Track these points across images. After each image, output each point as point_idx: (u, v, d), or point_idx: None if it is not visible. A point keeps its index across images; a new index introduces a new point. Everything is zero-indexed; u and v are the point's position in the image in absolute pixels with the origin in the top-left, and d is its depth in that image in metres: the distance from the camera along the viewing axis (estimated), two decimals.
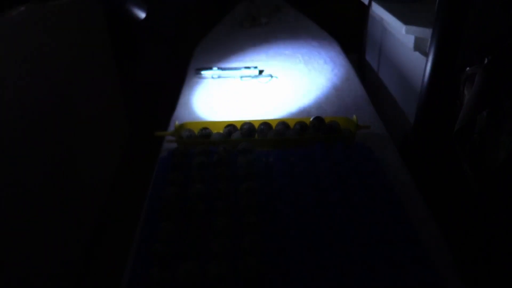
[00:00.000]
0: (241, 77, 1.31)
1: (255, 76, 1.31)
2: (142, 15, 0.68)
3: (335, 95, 1.18)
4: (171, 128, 0.98)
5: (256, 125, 0.94)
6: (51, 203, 1.40)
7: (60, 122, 1.56)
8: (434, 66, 0.92)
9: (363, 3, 1.68)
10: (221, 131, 0.94)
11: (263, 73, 1.32)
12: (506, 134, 0.74)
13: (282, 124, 0.94)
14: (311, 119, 0.94)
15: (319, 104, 1.13)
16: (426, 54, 0.94)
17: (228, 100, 1.17)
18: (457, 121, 0.81)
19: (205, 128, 0.93)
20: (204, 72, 1.33)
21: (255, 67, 1.33)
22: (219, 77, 1.32)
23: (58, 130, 1.53)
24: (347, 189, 0.74)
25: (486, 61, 0.79)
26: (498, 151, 0.76)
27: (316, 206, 0.70)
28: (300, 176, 0.78)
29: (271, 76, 1.30)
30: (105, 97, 2.22)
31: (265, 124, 0.94)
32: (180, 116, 1.09)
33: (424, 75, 0.95)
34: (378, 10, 1.48)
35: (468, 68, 0.85)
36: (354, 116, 0.92)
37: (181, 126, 0.94)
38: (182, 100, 1.19)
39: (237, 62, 1.44)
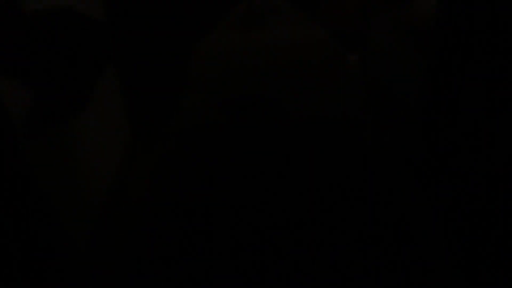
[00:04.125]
0: None
1: None
2: None
3: None
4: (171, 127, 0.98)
5: None
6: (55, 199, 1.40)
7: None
8: (435, 65, 0.92)
9: (364, 3, 1.68)
10: None
11: None
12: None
13: None
14: None
15: None
16: (426, 54, 0.95)
17: None
18: (458, 120, 0.81)
19: None
20: None
21: None
22: None
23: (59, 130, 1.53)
24: (347, 188, 0.74)
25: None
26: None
27: (316, 205, 0.71)
28: (300, 175, 0.78)
29: None
30: (106, 96, 2.22)
31: None
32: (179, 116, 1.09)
33: (424, 75, 0.95)
34: None
35: None
36: None
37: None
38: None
39: None
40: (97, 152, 1.98)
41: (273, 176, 0.81)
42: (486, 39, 0.84)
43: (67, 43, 0.65)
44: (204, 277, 0.58)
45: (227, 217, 0.70)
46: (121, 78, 2.49)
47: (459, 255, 0.65)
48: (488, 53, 0.80)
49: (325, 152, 0.88)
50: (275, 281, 0.58)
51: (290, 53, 1.54)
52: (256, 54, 1.54)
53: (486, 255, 0.74)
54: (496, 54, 0.78)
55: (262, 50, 1.58)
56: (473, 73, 0.83)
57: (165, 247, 0.63)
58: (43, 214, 0.70)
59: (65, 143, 1.59)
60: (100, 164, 2.09)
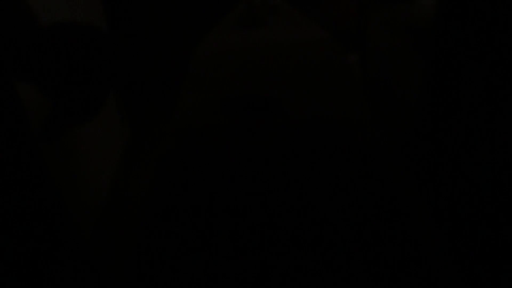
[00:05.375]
0: None
1: None
2: None
3: None
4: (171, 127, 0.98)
5: None
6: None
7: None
8: (434, 65, 0.92)
9: (363, 3, 1.68)
10: None
11: None
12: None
13: None
14: None
15: None
16: (426, 53, 0.95)
17: None
18: (458, 119, 0.81)
19: None
20: None
21: None
22: None
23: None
24: (347, 188, 0.74)
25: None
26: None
27: (316, 205, 0.71)
28: (300, 175, 0.78)
29: None
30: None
31: None
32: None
33: (424, 74, 0.95)
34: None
35: None
36: None
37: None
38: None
39: None
40: (97, 152, 1.98)
41: (273, 176, 0.81)
42: (486, 39, 0.84)
43: (80, 52, 0.68)
44: (204, 278, 0.58)
45: (227, 217, 0.70)
46: (122, 79, 2.48)
47: (459, 255, 0.65)
48: (488, 52, 0.80)
49: (325, 152, 0.88)
50: (276, 282, 0.58)
51: (290, 53, 1.54)
52: (256, 54, 1.54)
53: (486, 255, 0.74)
54: (496, 54, 0.78)
55: (262, 50, 1.58)
56: (473, 72, 0.83)
57: (165, 247, 0.63)
58: (55, 212, 0.73)
59: (66, 143, 1.59)
60: (100, 164, 2.09)
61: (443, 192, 0.91)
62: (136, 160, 2.21)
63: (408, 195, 0.77)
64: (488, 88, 0.78)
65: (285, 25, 1.90)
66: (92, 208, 1.90)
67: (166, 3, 2.02)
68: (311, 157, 0.85)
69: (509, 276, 0.68)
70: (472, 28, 0.87)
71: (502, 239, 0.72)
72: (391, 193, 0.74)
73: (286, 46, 1.63)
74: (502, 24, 0.79)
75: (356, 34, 2.03)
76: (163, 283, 0.58)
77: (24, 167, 0.70)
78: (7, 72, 0.63)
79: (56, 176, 1.45)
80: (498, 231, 0.73)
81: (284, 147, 0.89)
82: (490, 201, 0.77)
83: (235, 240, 0.64)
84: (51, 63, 0.67)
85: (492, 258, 0.73)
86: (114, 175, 2.23)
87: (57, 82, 0.66)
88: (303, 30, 1.82)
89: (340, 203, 0.71)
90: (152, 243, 0.63)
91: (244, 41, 1.70)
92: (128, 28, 1.95)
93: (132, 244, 0.68)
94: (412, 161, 0.93)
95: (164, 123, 1.09)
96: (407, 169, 0.86)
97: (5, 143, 0.66)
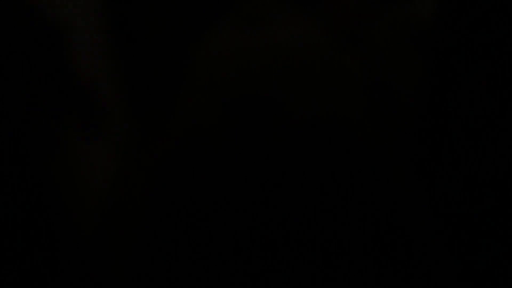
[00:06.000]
0: None
1: None
2: None
3: None
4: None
5: None
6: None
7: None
8: (435, 65, 0.92)
9: (364, 3, 1.68)
10: None
11: None
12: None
13: None
14: None
15: None
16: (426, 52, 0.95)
17: None
18: (458, 120, 0.81)
19: None
20: None
21: None
22: None
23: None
24: (347, 189, 0.74)
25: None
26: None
27: (316, 205, 0.71)
28: (301, 175, 0.78)
29: None
30: (105, 96, 2.22)
31: None
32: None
33: (424, 75, 0.95)
34: None
35: None
36: None
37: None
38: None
39: None
40: (97, 152, 1.98)
41: (274, 177, 0.81)
42: (487, 39, 0.84)
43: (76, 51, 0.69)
44: (204, 278, 0.58)
45: (228, 218, 0.70)
46: (121, 78, 2.48)
47: (459, 255, 0.65)
48: (489, 52, 0.80)
49: (325, 152, 0.88)
50: (276, 282, 0.58)
51: (290, 53, 1.54)
52: (256, 54, 1.54)
53: (485, 255, 0.74)
54: (497, 54, 0.78)
55: (262, 50, 1.58)
56: (474, 72, 0.83)
57: (165, 247, 0.63)
58: (55, 212, 0.74)
59: (66, 143, 1.59)
60: (100, 164, 2.09)
61: (443, 192, 0.91)
62: (136, 160, 2.21)
63: (408, 195, 0.77)
64: (489, 88, 0.78)
65: (285, 25, 1.90)
66: (92, 208, 1.90)
67: (166, 2, 2.02)
68: (311, 157, 0.85)
69: (509, 276, 0.68)
70: (473, 28, 0.87)
71: (502, 239, 0.72)
72: (391, 193, 0.74)
73: (286, 46, 1.63)
74: (502, 24, 0.79)
75: (356, 34, 2.03)
76: (163, 283, 0.58)
77: (24, 167, 0.70)
78: (6, 72, 0.64)
79: (56, 176, 1.45)
80: (499, 231, 0.73)
81: (284, 147, 0.89)
82: (491, 201, 0.77)
83: (235, 241, 0.64)
84: (48, 62, 0.67)
85: (492, 258, 0.73)
86: (114, 175, 2.22)
87: (54, 81, 0.67)
88: (303, 30, 1.82)
89: (340, 203, 0.72)
90: (152, 243, 0.64)
91: (244, 41, 1.70)
92: (128, 28, 1.95)
93: (132, 244, 0.68)
94: (412, 161, 0.93)
95: (164, 123, 1.09)
96: (406, 169, 0.86)
97: (5, 143, 0.66)
